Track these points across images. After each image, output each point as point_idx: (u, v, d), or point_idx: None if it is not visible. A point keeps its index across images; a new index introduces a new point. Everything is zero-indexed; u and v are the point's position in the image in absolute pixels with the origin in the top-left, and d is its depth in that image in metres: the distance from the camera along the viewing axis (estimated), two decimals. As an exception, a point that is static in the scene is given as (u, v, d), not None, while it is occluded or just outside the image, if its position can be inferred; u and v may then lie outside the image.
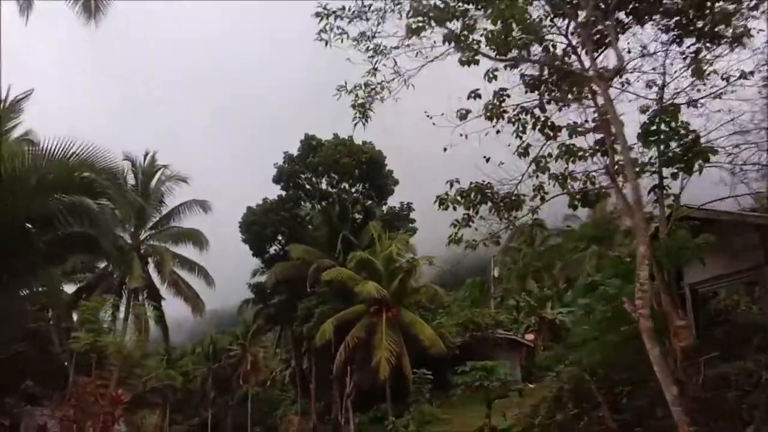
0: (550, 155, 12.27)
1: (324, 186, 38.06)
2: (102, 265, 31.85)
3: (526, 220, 12.79)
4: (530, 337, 40.72)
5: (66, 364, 27.26)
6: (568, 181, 12.35)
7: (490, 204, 12.11)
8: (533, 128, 12.32)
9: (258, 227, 36.27)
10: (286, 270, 35.96)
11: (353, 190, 37.94)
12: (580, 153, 11.87)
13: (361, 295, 31.87)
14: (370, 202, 37.58)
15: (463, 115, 11.69)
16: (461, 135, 11.62)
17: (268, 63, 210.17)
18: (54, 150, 13.18)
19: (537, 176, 12.43)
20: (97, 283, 31.33)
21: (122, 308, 32.93)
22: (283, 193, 38.20)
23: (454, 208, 12.05)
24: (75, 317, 29.25)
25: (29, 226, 14.07)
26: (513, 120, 12.27)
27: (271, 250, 38.89)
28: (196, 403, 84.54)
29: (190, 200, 34.44)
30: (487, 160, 11.98)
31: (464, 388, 21.65)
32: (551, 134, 12.27)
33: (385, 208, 38.97)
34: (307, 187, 38.73)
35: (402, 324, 31.85)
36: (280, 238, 37.79)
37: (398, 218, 38.29)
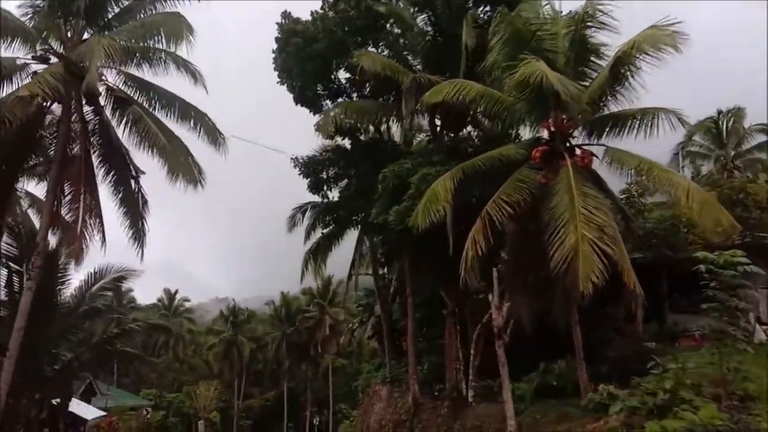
0: None
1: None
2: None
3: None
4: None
5: None
6: None
7: None
8: None
9: (303, 42, 19.54)
10: (354, 112, 19.08)
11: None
12: None
13: (515, 116, 14.49)
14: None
15: None
16: None
17: None
18: None
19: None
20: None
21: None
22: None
23: None
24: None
25: None
26: None
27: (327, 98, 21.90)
28: (269, 374, 71.39)
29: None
30: None
31: None
32: None
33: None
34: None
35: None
36: (341, 66, 20.65)
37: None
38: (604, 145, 14.69)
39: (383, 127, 22.87)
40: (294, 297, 68.96)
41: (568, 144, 14.86)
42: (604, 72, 14.05)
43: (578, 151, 14.62)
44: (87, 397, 35.46)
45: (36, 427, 21.04)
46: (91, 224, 16.92)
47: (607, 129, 15.23)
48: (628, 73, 13.85)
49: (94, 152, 17.87)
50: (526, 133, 16.89)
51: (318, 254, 26.23)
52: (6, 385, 14.55)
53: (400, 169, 17.82)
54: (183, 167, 16.86)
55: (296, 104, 21.75)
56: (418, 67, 19.98)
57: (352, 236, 27.58)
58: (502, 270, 14.36)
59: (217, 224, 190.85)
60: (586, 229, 12.23)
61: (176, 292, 75.06)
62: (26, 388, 17.41)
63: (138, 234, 18.42)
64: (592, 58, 14.64)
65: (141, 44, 16.94)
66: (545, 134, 15.33)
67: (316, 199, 24.34)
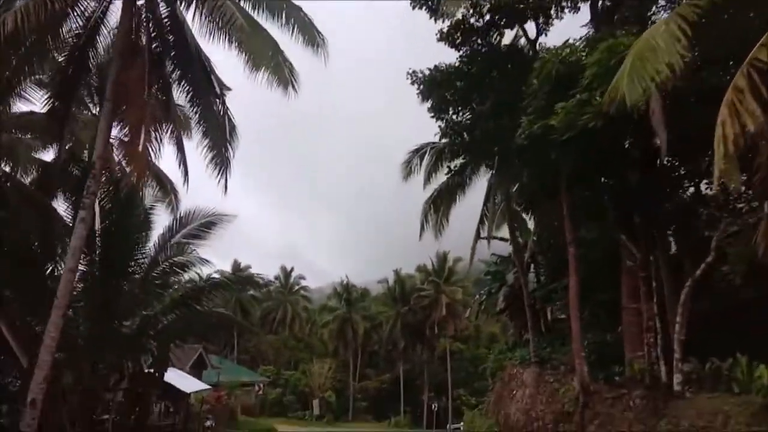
0: None
1: None
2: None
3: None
4: None
5: None
6: None
7: None
8: None
9: None
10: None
11: None
12: None
13: None
14: None
15: None
16: None
17: None
18: None
19: None
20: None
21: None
22: None
23: None
24: None
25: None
26: None
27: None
28: (384, 355, 68.14)
29: None
30: None
31: None
32: None
33: None
34: None
35: None
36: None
37: None
38: None
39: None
40: (408, 276, 64.93)
41: None
42: None
43: None
44: (198, 370, 33.49)
45: (128, 397, 18.27)
46: (157, 138, 13.22)
47: None
48: None
49: (167, 58, 14.18)
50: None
51: (440, 203, 21.27)
52: (53, 341, 11.16)
53: (569, 52, 12.29)
54: (270, 62, 12.59)
55: (413, 6, 16.80)
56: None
57: (477, 189, 22.32)
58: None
59: (335, 208, 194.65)
60: None
61: (292, 269, 73.74)
62: (92, 349, 14.20)
63: (221, 160, 14.54)
64: None
65: None
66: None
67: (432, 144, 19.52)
